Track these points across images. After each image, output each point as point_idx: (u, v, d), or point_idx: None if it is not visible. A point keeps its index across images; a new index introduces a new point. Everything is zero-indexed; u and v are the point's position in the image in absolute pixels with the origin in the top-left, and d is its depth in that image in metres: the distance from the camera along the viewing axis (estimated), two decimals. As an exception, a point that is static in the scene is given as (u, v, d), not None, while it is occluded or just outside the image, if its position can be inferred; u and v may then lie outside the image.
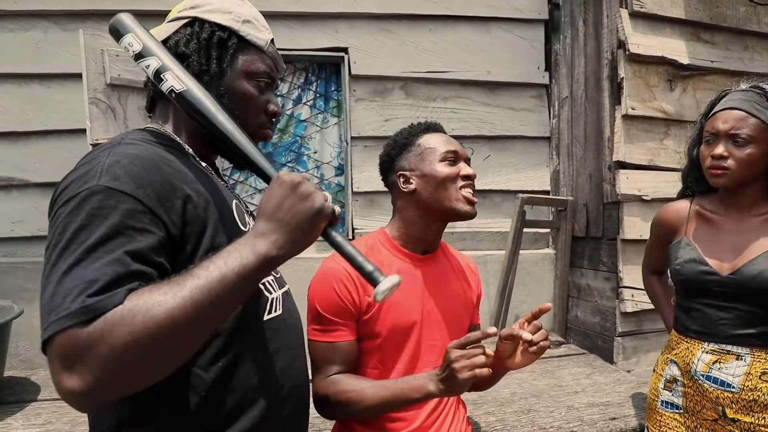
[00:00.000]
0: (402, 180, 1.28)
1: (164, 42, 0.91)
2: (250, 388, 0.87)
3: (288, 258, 0.76)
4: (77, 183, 0.73)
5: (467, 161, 1.30)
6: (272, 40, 0.99)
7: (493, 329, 1.08)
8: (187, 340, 0.69)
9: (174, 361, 0.70)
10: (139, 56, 0.85)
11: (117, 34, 0.87)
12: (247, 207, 1.03)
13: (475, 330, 1.42)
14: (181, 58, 0.90)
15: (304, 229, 0.76)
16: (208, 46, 0.91)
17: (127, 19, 0.87)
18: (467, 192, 1.25)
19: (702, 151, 1.43)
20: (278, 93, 3.20)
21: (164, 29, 0.93)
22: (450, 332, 1.30)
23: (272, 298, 0.94)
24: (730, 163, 1.35)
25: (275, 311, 0.96)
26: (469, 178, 1.26)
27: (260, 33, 0.96)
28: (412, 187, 1.26)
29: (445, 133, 1.33)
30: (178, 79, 0.85)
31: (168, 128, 0.93)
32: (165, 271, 0.74)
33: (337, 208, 0.82)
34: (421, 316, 1.26)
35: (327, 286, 1.21)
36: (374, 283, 0.79)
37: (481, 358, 1.03)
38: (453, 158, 1.26)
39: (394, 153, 1.31)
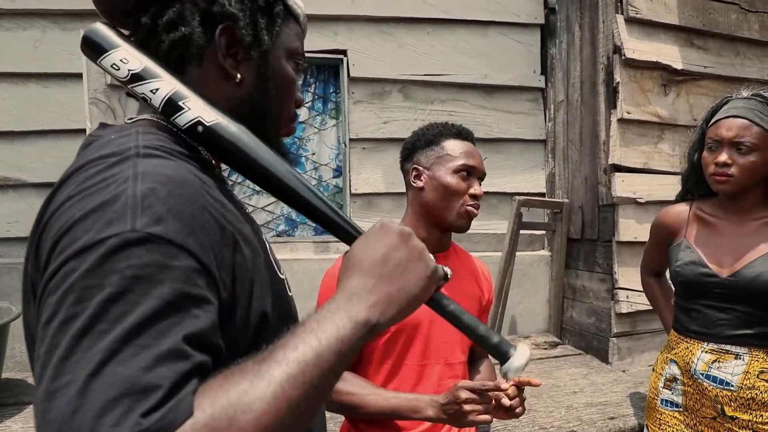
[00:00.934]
0: (414, 173, 1.30)
1: None
2: None
3: (392, 325, 0.59)
4: (95, 221, 0.48)
5: (481, 178, 1.30)
6: None
7: (506, 385, 1.12)
8: None
9: None
10: (137, 78, 0.63)
11: (98, 49, 0.64)
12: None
13: None
14: (216, 19, 0.65)
15: (414, 294, 0.61)
16: (255, 8, 0.68)
17: (109, 30, 0.65)
18: (470, 208, 1.27)
19: (705, 158, 1.46)
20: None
21: None
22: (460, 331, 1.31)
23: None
24: (733, 170, 1.38)
25: None
26: (476, 198, 1.27)
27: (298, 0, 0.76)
28: (420, 184, 1.28)
29: (474, 143, 1.33)
30: (204, 108, 0.63)
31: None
32: (220, 354, 0.53)
33: (449, 270, 0.68)
34: (431, 313, 1.27)
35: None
36: (503, 358, 0.66)
37: (489, 408, 1.07)
38: (468, 172, 1.27)
39: (418, 145, 1.32)
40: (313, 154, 3.37)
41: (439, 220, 1.28)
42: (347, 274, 0.60)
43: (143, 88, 0.62)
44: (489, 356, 1.48)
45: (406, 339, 1.25)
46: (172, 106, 0.62)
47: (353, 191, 3.26)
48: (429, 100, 3.34)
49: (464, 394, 1.07)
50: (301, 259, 3.14)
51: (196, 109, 0.62)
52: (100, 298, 0.44)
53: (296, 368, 0.49)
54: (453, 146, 1.28)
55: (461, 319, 0.68)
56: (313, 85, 3.36)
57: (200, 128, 0.62)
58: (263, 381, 0.47)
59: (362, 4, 3.20)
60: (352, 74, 3.23)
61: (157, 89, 0.62)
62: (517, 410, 1.14)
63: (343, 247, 3.23)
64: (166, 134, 0.63)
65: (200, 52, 0.66)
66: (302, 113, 3.34)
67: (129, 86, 0.63)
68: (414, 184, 1.30)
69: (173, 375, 0.44)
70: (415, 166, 1.30)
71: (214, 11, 0.65)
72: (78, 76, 2.44)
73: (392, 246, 0.61)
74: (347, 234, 0.68)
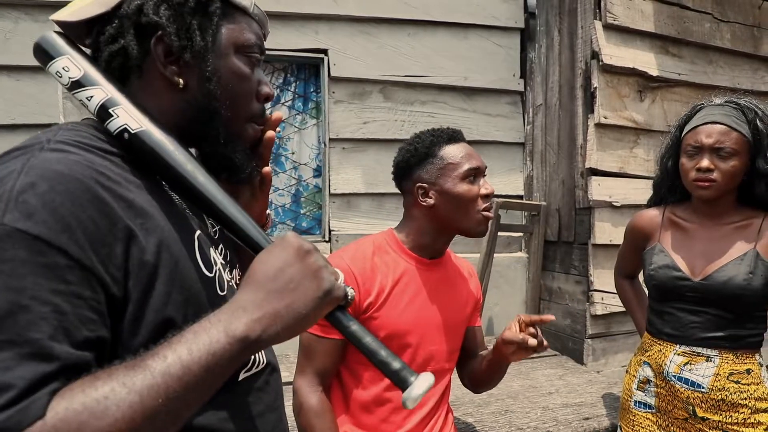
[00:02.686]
0: (420, 192, 1.26)
1: (116, 8, 0.68)
2: None
3: (275, 344, 0.59)
4: None
5: (484, 173, 1.29)
6: None
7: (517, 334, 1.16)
8: None
9: None
10: (77, 85, 0.66)
11: (46, 56, 0.67)
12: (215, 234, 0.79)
13: (473, 334, 1.45)
14: (148, 29, 0.68)
15: (303, 314, 0.59)
16: (184, 13, 0.68)
17: (59, 39, 0.67)
18: (486, 213, 1.25)
19: (684, 164, 1.47)
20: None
21: None
22: (448, 338, 1.31)
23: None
24: (716, 175, 1.40)
25: (257, 365, 0.75)
26: (488, 197, 1.26)
27: None
28: (431, 201, 1.25)
29: (466, 141, 1.31)
30: (132, 116, 0.65)
31: None
32: (104, 346, 0.54)
33: (351, 292, 0.67)
34: (423, 321, 1.26)
35: None
36: (403, 385, 0.63)
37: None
38: (474, 175, 1.25)
39: (413, 161, 1.28)
40: (293, 153, 3.35)
41: (458, 229, 1.27)
42: (241, 287, 0.60)
43: (81, 95, 0.66)
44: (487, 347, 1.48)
45: (396, 347, 1.24)
46: (104, 112, 0.65)
47: (332, 191, 3.25)
48: (409, 101, 3.35)
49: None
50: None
51: (124, 117, 0.65)
52: None
53: (160, 379, 0.49)
54: (451, 153, 1.25)
55: (362, 341, 0.66)
56: (293, 84, 3.33)
57: (126, 135, 0.65)
58: (124, 389, 0.48)
59: (344, 3, 3.19)
60: (332, 74, 3.21)
61: (92, 96, 0.65)
62: (544, 344, 1.18)
63: (321, 247, 3.22)
64: (95, 131, 0.66)
65: (139, 63, 0.69)
66: (282, 112, 3.31)
67: (71, 92, 0.67)
68: (424, 203, 1.25)
69: (30, 375, 0.45)
70: (419, 184, 1.26)
71: (143, 23, 0.67)
72: (51, 70, 2.38)
73: (287, 262, 0.60)
74: (258, 245, 0.68)
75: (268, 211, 0.71)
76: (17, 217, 0.49)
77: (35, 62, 0.72)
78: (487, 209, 1.26)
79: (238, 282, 0.79)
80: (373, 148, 3.27)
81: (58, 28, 0.71)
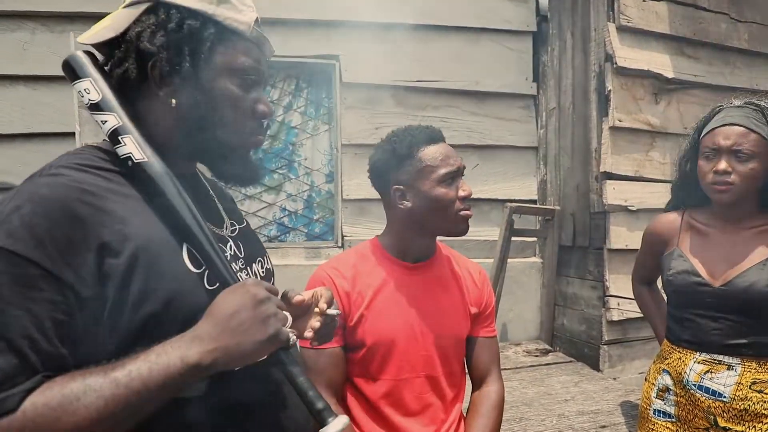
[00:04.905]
0: (398, 194, 1.23)
1: (123, 35, 0.75)
2: None
3: (221, 369, 0.68)
4: None
5: (463, 173, 1.26)
6: (257, 20, 0.81)
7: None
8: None
9: None
10: (95, 107, 0.74)
11: (72, 74, 0.75)
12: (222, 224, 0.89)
13: (480, 346, 1.37)
14: (145, 56, 0.74)
15: (248, 351, 0.68)
16: (178, 39, 0.74)
17: (85, 60, 0.75)
18: (464, 212, 1.24)
19: (702, 167, 1.43)
20: (270, 100, 3.20)
21: (121, 18, 0.76)
22: (443, 343, 1.28)
23: None
24: (733, 178, 1.37)
25: None
26: (466, 199, 1.23)
27: (241, 14, 0.79)
28: (408, 204, 1.22)
29: (444, 140, 1.27)
30: (138, 147, 0.74)
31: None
32: (76, 342, 0.65)
33: (293, 337, 0.74)
34: (410, 326, 1.24)
35: None
36: (321, 423, 0.73)
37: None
38: (452, 177, 1.22)
39: (392, 163, 1.24)
40: (305, 159, 3.35)
41: (437, 230, 1.26)
42: (204, 317, 0.69)
43: (97, 117, 0.74)
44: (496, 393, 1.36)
45: (383, 355, 1.22)
46: (114, 137, 0.74)
47: (345, 197, 3.25)
48: (421, 107, 3.34)
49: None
50: (291, 265, 3.12)
51: (130, 146, 0.74)
52: None
53: (123, 391, 0.60)
54: (429, 155, 1.21)
55: (296, 381, 0.74)
56: (305, 90, 3.34)
57: (130, 162, 0.74)
58: (95, 393, 0.59)
59: (355, 10, 3.19)
60: (344, 79, 3.22)
61: (105, 121, 0.74)
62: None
63: (334, 252, 3.21)
64: (105, 154, 0.76)
65: (139, 86, 0.76)
66: (294, 119, 3.32)
67: (90, 112, 0.75)
68: (401, 206, 1.23)
69: (3, 367, 0.57)
70: (396, 186, 1.23)
71: (141, 48, 0.74)
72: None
73: (243, 306, 0.68)
74: (225, 282, 0.75)
75: (292, 338, 0.74)
76: (1, 236, 0.61)
77: (52, 72, 0.80)
78: (465, 209, 1.24)
79: (260, 274, 0.92)
80: (385, 153, 3.26)
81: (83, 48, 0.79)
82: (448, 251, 1.41)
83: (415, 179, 1.21)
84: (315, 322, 0.85)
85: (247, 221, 1.01)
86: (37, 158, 2.89)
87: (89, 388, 0.59)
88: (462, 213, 1.23)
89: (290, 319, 0.75)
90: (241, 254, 0.88)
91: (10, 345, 0.58)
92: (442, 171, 1.21)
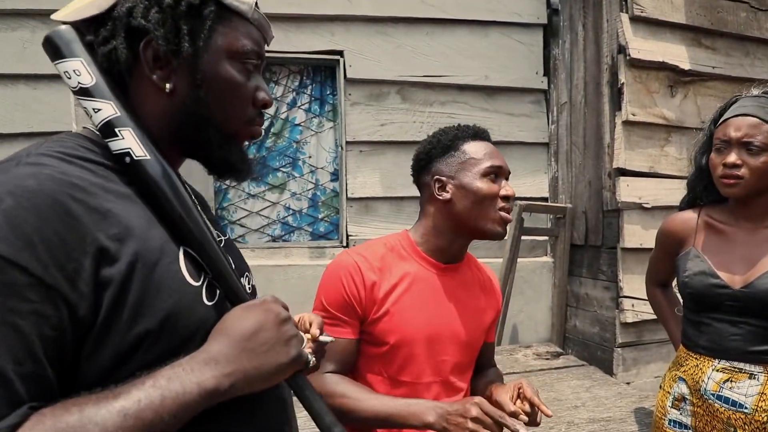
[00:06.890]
0: (437, 185, 1.20)
1: (110, 11, 0.66)
2: None
3: (235, 396, 0.61)
4: None
5: (508, 176, 1.23)
6: (256, 3, 0.75)
7: (515, 415, 1.05)
8: None
9: None
10: (85, 92, 0.64)
11: (57, 52, 0.65)
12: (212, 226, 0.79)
13: (488, 349, 1.38)
14: (137, 33, 0.66)
15: (268, 375, 0.62)
16: (175, 17, 0.66)
17: (73, 36, 0.66)
18: (504, 213, 1.19)
19: (712, 160, 1.36)
20: (274, 97, 3.16)
21: None
22: (462, 350, 1.23)
23: None
24: (743, 171, 1.29)
25: None
26: (509, 199, 1.19)
27: None
28: (447, 195, 1.18)
29: (491, 141, 1.25)
30: (139, 142, 0.65)
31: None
32: (63, 360, 0.55)
33: (312, 359, 0.71)
34: (435, 329, 1.19)
35: (335, 278, 1.16)
36: None
37: None
38: (495, 174, 1.19)
39: (435, 153, 1.22)
40: (310, 157, 3.29)
41: (474, 230, 1.20)
42: (216, 336, 0.62)
43: (88, 104, 0.65)
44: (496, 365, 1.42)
45: (405, 356, 1.17)
46: (109, 129, 0.65)
47: (350, 195, 3.18)
48: (428, 102, 3.26)
49: (475, 411, 0.97)
50: (295, 265, 3.06)
51: (129, 141, 0.64)
52: None
53: (133, 422, 0.51)
54: (474, 149, 1.20)
55: (312, 405, 0.70)
56: (309, 87, 3.28)
57: (128, 159, 0.64)
58: (97, 428, 0.49)
59: (359, 4, 3.12)
60: (348, 75, 3.15)
61: (99, 109, 0.64)
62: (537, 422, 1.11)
63: (338, 252, 3.15)
64: (92, 144, 0.66)
65: (129, 67, 0.68)
66: (299, 116, 3.26)
67: (76, 97, 0.65)
68: (440, 197, 1.19)
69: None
70: (437, 177, 1.20)
71: (133, 25, 0.66)
72: (65, 77, 2.38)
73: (265, 325, 0.63)
74: (235, 297, 0.69)
75: (312, 360, 0.72)
76: None
77: (53, 71, 0.71)
78: (506, 210, 1.19)
79: (247, 290, 0.80)
80: (391, 150, 3.20)
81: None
82: (471, 256, 1.36)
83: (458, 170, 1.19)
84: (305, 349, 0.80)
85: (228, 234, 0.95)
86: (38, 158, 2.88)
87: (90, 421, 0.49)
88: (502, 213, 1.18)
89: (306, 340, 0.71)
90: (232, 267, 0.81)
91: None
92: (486, 164, 1.18)
